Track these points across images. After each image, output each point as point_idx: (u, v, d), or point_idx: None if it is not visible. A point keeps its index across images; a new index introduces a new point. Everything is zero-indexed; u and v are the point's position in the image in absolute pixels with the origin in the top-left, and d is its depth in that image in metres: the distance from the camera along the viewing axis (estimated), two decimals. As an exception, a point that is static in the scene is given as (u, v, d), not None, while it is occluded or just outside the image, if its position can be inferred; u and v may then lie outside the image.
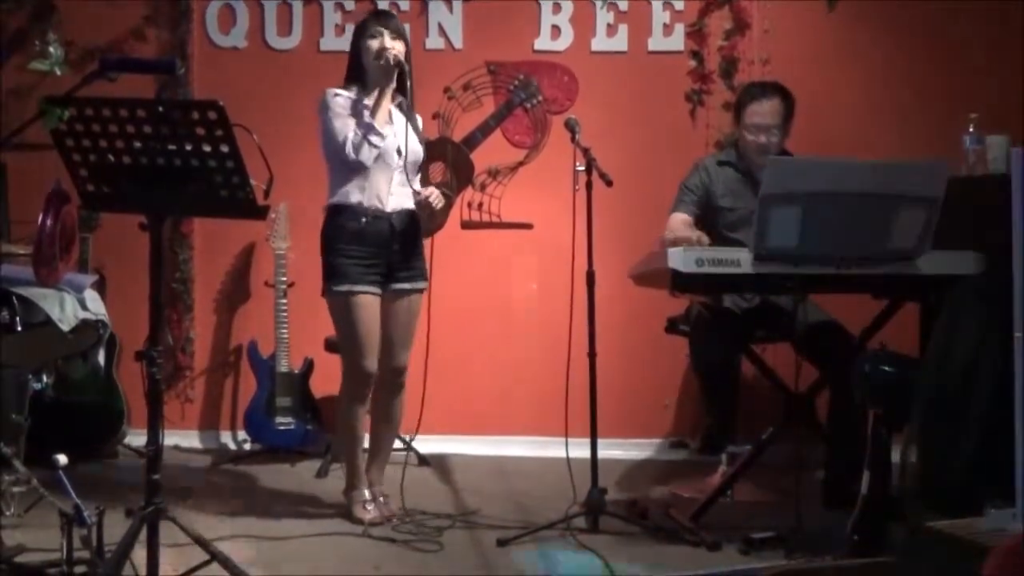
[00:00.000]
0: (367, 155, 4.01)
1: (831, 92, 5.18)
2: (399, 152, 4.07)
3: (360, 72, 4.13)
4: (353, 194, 4.09)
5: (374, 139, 3.99)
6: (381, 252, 4.11)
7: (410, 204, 4.16)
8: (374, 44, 4.06)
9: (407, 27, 4.43)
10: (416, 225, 4.20)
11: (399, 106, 4.17)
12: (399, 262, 4.15)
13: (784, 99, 4.58)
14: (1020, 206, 3.72)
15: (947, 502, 3.98)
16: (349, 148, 4.00)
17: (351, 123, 4.02)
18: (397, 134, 4.07)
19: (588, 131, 4.24)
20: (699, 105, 5.54)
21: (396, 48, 4.05)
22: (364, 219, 4.08)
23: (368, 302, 4.09)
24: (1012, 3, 5.38)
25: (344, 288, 4.07)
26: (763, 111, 4.55)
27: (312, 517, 4.27)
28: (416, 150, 4.15)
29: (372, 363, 4.10)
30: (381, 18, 4.18)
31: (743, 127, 4.59)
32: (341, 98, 4.09)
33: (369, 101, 4.05)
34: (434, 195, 4.11)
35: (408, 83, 4.16)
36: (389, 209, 4.11)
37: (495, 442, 5.54)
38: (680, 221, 4.54)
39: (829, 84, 5.26)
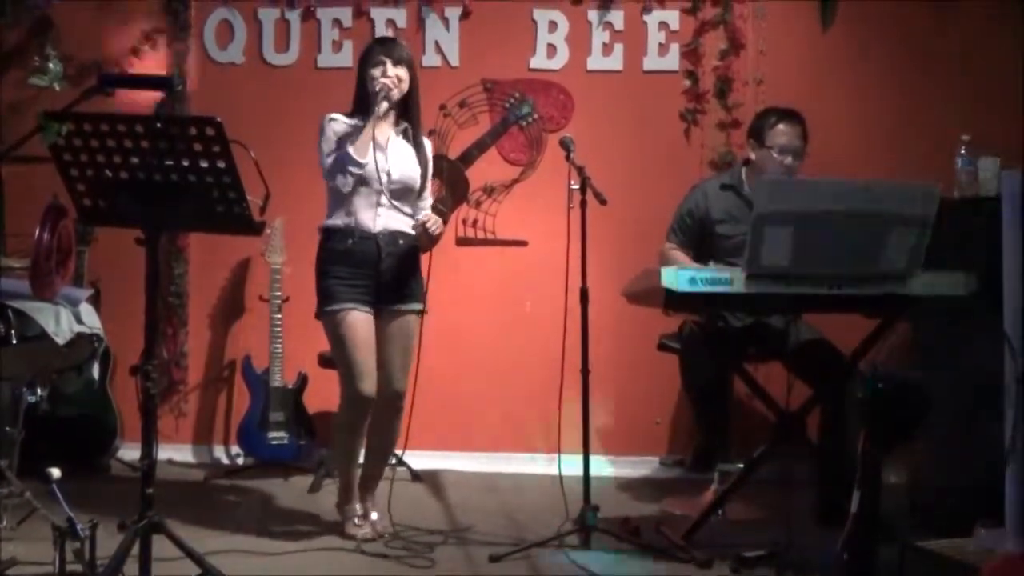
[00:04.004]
0: (342, 183, 4.06)
1: (825, 112, 5.20)
2: (388, 176, 4.10)
3: (365, 98, 4.15)
4: (341, 216, 4.13)
5: (351, 168, 4.03)
6: (368, 272, 4.12)
7: (398, 226, 4.16)
8: (375, 72, 4.10)
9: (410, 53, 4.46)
10: (409, 247, 4.20)
11: (403, 132, 4.20)
12: (390, 282, 4.15)
13: (805, 128, 4.60)
14: (1011, 228, 3.74)
15: (938, 521, 4.01)
16: (326, 174, 4.09)
17: (336, 150, 4.07)
18: (389, 159, 4.10)
19: (583, 149, 4.26)
20: (693, 124, 5.57)
21: (398, 75, 4.09)
22: (351, 240, 4.11)
23: (358, 319, 4.10)
24: (1006, 25, 5.42)
25: (333, 308, 4.10)
26: (792, 132, 4.57)
27: (305, 532, 4.27)
28: (408, 176, 4.17)
29: (369, 386, 4.08)
30: (384, 45, 4.20)
31: (767, 148, 4.57)
32: (335, 124, 4.14)
33: (371, 129, 4.06)
34: (431, 221, 4.12)
35: (413, 109, 4.21)
36: (376, 230, 4.12)
37: (488, 458, 5.55)
38: (679, 257, 4.57)
39: (823, 104, 5.28)
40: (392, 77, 4.08)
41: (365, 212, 4.12)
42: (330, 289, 4.12)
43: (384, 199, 4.11)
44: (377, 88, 4.06)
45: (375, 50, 4.16)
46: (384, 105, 4.06)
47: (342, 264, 4.12)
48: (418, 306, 4.24)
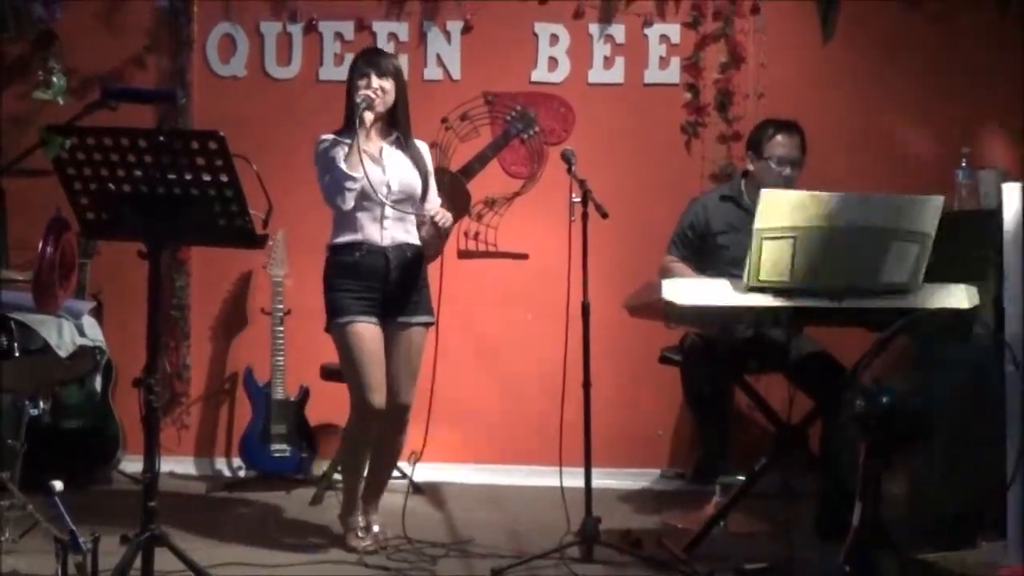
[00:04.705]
0: (342, 200, 4.05)
1: (825, 125, 5.21)
2: (388, 187, 4.10)
3: (354, 111, 4.16)
4: (348, 231, 4.14)
5: (347, 183, 4.03)
6: (377, 285, 4.12)
7: (406, 237, 4.18)
8: (360, 84, 4.11)
9: (405, 58, 4.49)
10: (417, 259, 4.21)
11: (395, 141, 4.20)
12: (398, 295, 4.16)
13: (803, 139, 4.61)
14: (1012, 240, 3.76)
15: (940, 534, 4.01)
16: (325, 195, 4.10)
17: (329, 170, 4.08)
18: (387, 170, 4.11)
19: (584, 162, 4.27)
20: (694, 137, 5.58)
21: (383, 86, 4.10)
22: (359, 253, 4.12)
23: (367, 331, 4.10)
24: (1006, 38, 5.44)
25: (343, 320, 4.10)
26: (790, 143, 4.58)
27: (306, 545, 4.27)
28: (409, 184, 4.17)
29: (379, 399, 4.08)
30: (369, 57, 4.21)
31: (765, 159, 4.58)
32: (325, 143, 4.15)
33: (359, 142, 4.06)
34: (439, 214, 4.13)
35: (401, 117, 4.21)
36: (385, 243, 4.13)
37: (490, 471, 5.55)
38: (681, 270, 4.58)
39: (824, 117, 5.29)
40: (376, 88, 4.09)
41: (371, 227, 4.13)
42: (339, 302, 4.12)
43: (388, 211, 4.12)
44: (358, 100, 4.06)
45: (360, 63, 4.17)
46: (368, 116, 4.06)
47: (350, 277, 4.12)
48: (426, 318, 4.25)
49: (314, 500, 4.98)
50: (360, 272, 4.12)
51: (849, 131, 5.49)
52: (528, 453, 5.43)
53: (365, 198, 4.08)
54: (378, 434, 4.20)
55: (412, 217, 4.19)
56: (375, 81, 4.10)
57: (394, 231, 4.15)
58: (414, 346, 4.22)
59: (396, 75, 4.17)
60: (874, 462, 3.47)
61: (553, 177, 5.34)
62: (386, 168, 4.12)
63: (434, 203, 4.28)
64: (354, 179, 4.01)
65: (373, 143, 4.14)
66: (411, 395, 4.22)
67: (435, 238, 4.22)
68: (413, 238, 4.20)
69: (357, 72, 4.13)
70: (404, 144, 4.22)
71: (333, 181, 4.05)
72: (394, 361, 4.17)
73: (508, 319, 5.62)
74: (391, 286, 4.14)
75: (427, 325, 4.26)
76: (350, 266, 4.12)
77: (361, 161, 3.97)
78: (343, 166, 4.02)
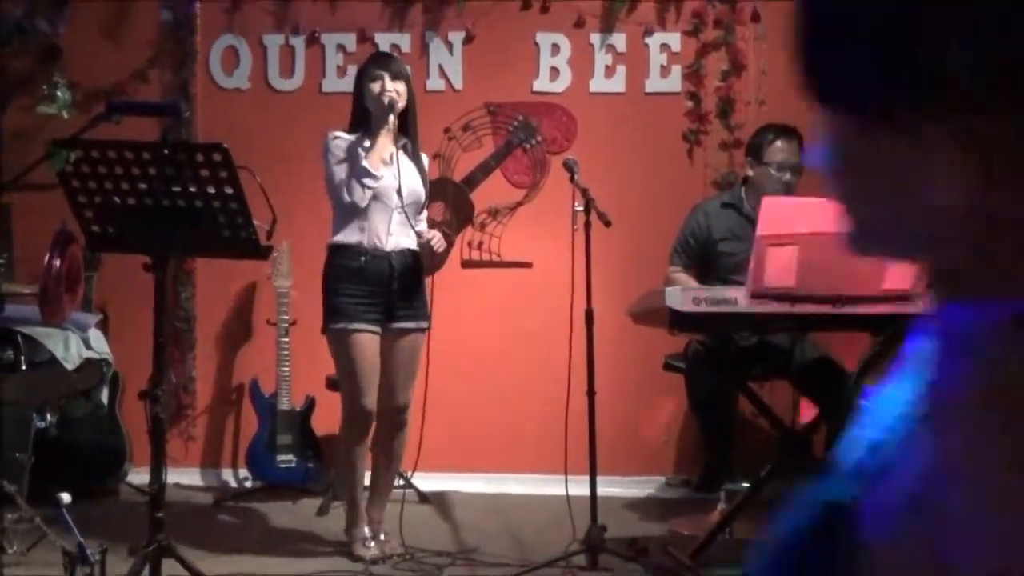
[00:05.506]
0: (360, 196, 4.06)
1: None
2: (398, 193, 4.12)
3: (364, 115, 4.18)
4: (353, 234, 4.15)
5: (367, 181, 4.05)
6: (380, 291, 4.15)
7: (410, 244, 4.21)
8: (375, 87, 4.12)
9: (407, 69, 4.48)
10: (417, 265, 4.24)
11: (403, 148, 4.22)
12: (399, 301, 4.19)
13: (802, 144, 4.63)
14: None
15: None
16: (343, 190, 4.09)
17: (346, 166, 4.09)
18: (397, 175, 4.12)
19: (586, 171, 4.29)
20: (696, 145, 5.59)
21: (397, 90, 4.12)
22: (363, 258, 4.14)
23: (366, 340, 4.12)
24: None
25: (342, 326, 4.12)
26: (790, 149, 4.59)
27: (313, 555, 4.28)
28: (417, 191, 4.20)
29: (371, 401, 4.13)
30: (381, 60, 4.24)
31: (764, 164, 4.60)
32: (340, 141, 4.16)
33: (369, 143, 4.10)
34: (436, 238, 4.17)
35: (411, 124, 4.23)
36: (389, 248, 4.15)
37: (495, 479, 5.55)
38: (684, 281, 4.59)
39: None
40: (392, 91, 4.12)
41: (379, 229, 4.15)
42: (340, 306, 4.14)
43: (396, 215, 4.14)
44: (386, 101, 4.07)
45: (372, 65, 4.19)
46: (391, 118, 4.09)
47: (353, 282, 4.14)
48: (425, 324, 4.28)
49: (320, 510, 4.99)
50: (364, 277, 4.14)
51: (851, 137, 5.49)
52: (533, 462, 5.43)
53: (375, 199, 4.10)
54: (377, 438, 4.24)
55: (414, 223, 4.22)
56: (389, 84, 4.11)
57: (399, 236, 4.18)
58: (412, 351, 4.25)
59: (407, 79, 4.20)
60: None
61: (556, 186, 5.35)
62: (397, 173, 4.13)
63: (423, 215, 4.34)
64: (375, 178, 4.04)
65: (386, 146, 4.15)
66: (409, 395, 4.27)
67: (428, 258, 4.25)
68: (414, 244, 4.23)
69: (369, 75, 4.15)
70: (411, 151, 4.25)
71: (353, 176, 4.06)
72: (392, 365, 4.21)
73: (512, 328, 5.63)
74: (393, 291, 4.17)
75: (424, 331, 4.29)
76: (355, 271, 4.14)
77: (397, 161, 4.00)
78: (366, 163, 4.04)
